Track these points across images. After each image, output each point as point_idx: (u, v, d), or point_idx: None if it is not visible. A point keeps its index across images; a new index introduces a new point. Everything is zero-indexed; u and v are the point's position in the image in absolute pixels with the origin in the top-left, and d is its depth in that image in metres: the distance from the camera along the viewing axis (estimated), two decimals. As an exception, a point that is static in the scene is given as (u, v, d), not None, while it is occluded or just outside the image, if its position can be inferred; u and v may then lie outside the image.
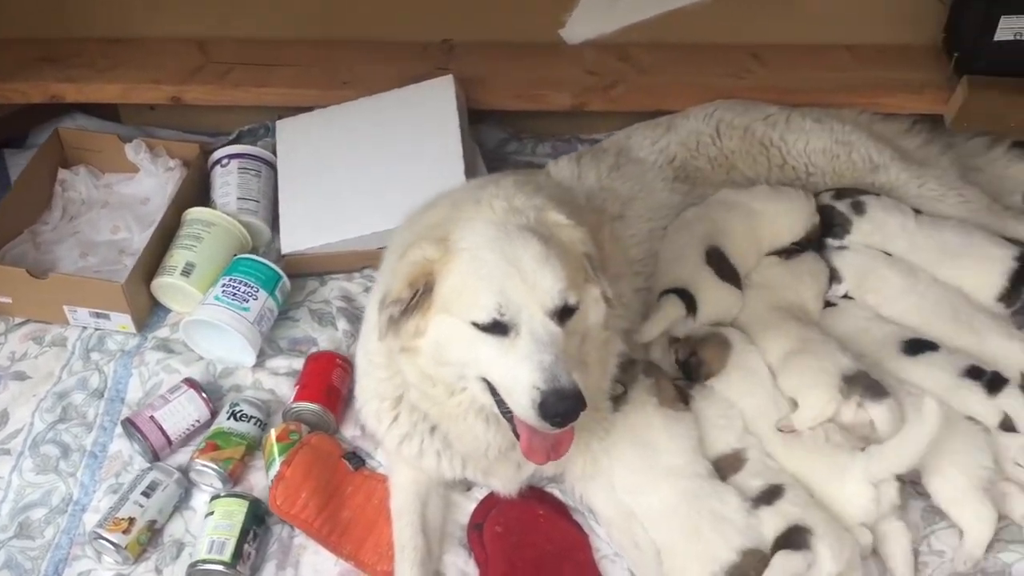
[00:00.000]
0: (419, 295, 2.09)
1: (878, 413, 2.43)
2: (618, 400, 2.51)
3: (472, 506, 2.57)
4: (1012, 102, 3.07)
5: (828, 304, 2.84)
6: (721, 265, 2.77)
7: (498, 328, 2.01)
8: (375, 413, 2.43)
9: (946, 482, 2.42)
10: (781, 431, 2.44)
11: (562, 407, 1.94)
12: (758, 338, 2.64)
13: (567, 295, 2.02)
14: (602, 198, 2.73)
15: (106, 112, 3.70)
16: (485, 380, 2.09)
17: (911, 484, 2.50)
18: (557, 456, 2.14)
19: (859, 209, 2.89)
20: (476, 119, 3.55)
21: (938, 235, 2.87)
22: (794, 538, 2.23)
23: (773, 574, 2.20)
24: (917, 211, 2.96)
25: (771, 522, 2.29)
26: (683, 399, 2.56)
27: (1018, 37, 3.00)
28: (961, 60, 3.15)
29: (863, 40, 3.39)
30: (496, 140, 3.59)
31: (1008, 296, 2.78)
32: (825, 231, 2.91)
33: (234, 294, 2.86)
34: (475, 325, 2.02)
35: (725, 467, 2.45)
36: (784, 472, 2.41)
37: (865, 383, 2.45)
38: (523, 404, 1.98)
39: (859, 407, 2.45)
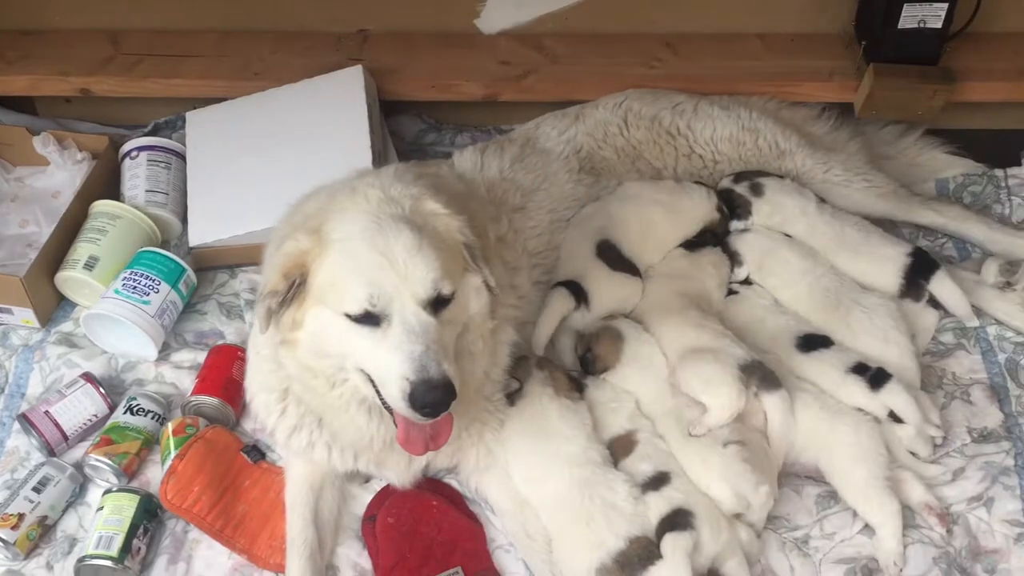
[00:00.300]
0: (295, 287, 2.07)
1: (771, 403, 2.46)
2: (514, 396, 2.51)
3: (369, 498, 2.56)
4: (916, 89, 3.09)
5: (731, 292, 2.85)
6: (612, 256, 2.77)
7: (370, 319, 2.00)
8: (264, 406, 2.41)
9: (849, 478, 2.44)
10: (693, 435, 2.42)
11: (430, 397, 1.93)
12: (657, 325, 2.65)
13: (440, 284, 2.02)
14: (503, 189, 2.72)
15: (23, 105, 3.65)
16: (365, 371, 2.08)
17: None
18: (436, 446, 2.14)
19: (757, 191, 2.91)
20: (394, 109, 3.54)
21: (838, 226, 2.89)
22: (678, 520, 2.26)
23: (667, 552, 2.22)
24: (822, 200, 2.97)
25: (656, 507, 2.31)
26: (577, 388, 2.56)
27: (922, 25, 3.01)
28: (869, 48, 3.16)
29: (775, 29, 3.40)
30: (415, 131, 3.57)
31: (907, 292, 2.80)
32: (730, 214, 2.92)
33: (134, 287, 2.83)
34: (348, 316, 2.02)
35: (618, 449, 2.47)
36: (672, 456, 2.42)
37: (760, 373, 2.47)
38: (394, 395, 1.98)
39: (755, 397, 2.46)
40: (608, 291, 2.75)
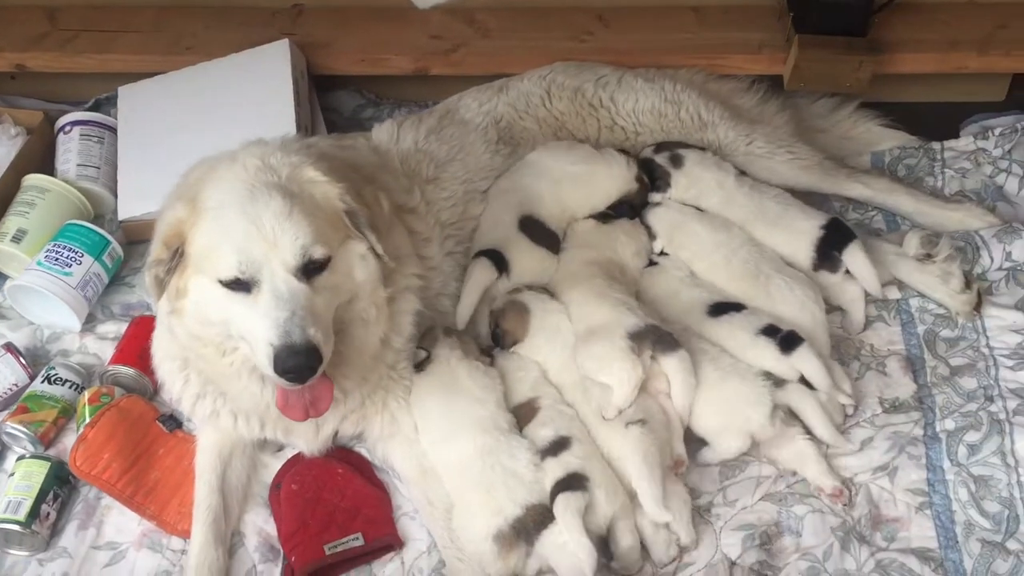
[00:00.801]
0: (176, 256, 2.10)
1: (670, 364, 2.46)
2: (422, 364, 2.53)
3: (280, 466, 2.59)
4: (841, 60, 3.08)
5: (652, 263, 2.86)
6: (535, 231, 2.79)
7: (242, 286, 2.04)
8: (168, 374, 2.45)
9: (704, 422, 2.49)
10: (607, 419, 2.43)
11: (292, 363, 1.97)
12: (565, 294, 2.67)
13: (312, 251, 2.04)
14: (416, 160, 2.74)
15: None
16: (244, 338, 2.11)
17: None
18: (317, 412, 2.17)
19: (677, 162, 2.92)
20: (333, 84, 3.56)
21: (758, 198, 2.90)
22: (572, 483, 2.29)
23: (558, 511, 2.25)
24: (743, 172, 2.97)
25: (552, 472, 2.33)
26: (487, 354, 2.60)
27: (846, -4, 3.01)
28: (797, 20, 3.15)
29: (710, 2, 3.39)
30: (353, 106, 3.59)
31: (821, 263, 2.80)
32: (651, 184, 2.93)
33: (56, 259, 2.87)
34: (221, 283, 2.05)
35: (522, 416, 2.50)
36: (574, 422, 2.45)
37: (655, 336, 2.47)
38: (262, 360, 2.02)
39: (653, 360, 2.47)
40: (529, 263, 2.77)
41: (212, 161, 2.22)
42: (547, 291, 2.71)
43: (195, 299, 2.13)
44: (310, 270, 2.07)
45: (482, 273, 2.70)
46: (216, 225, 2.06)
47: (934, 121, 3.44)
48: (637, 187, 2.90)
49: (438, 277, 2.63)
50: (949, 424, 2.59)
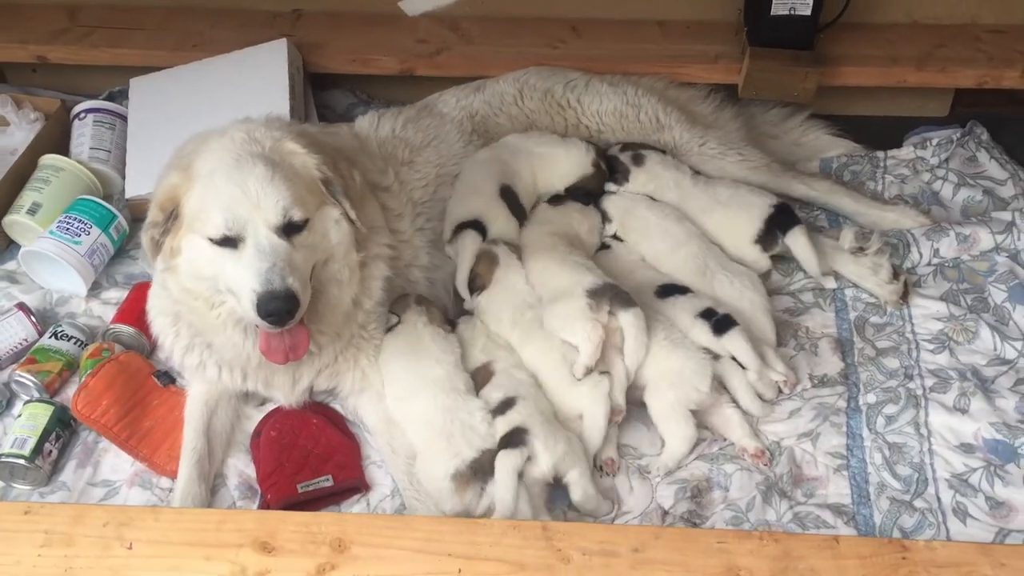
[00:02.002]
0: (171, 218, 2.39)
1: (625, 319, 2.71)
2: (392, 327, 2.80)
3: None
4: (788, 71, 3.36)
5: (605, 247, 3.14)
6: (512, 202, 3.07)
7: (229, 242, 2.32)
8: (161, 328, 2.72)
9: (659, 398, 2.72)
10: (578, 379, 2.67)
11: (273, 306, 2.24)
12: (528, 260, 2.93)
13: (291, 212, 2.33)
14: (393, 145, 3.03)
15: (-6, 75, 4.01)
16: (231, 290, 2.39)
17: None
18: (296, 356, 2.44)
19: (638, 161, 3.21)
20: (328, 84, 3.86)
21: (711, 190, 3.19)
22: (514, 438, 2.54)
23: (498, 469, 2.50)
24: (697, 172, 3.27)
25: (500, 427, 2.59)
26: (449, 322, 2.87)
27: (792, 12, 3.29)
28: (750, 34, 3.44)
29: (674, 16, 3.70)
30: (346, 104, 3.89)
31: (763, 238, 3.07)
32: (610, 176, 3.23)
33: (67, 229, 3.15)
34: (211, 241, 2.33)
35: (479, 378, 2.76)
36: (522, 385, 2.70)
37: (612, 293, 2.72)
38: (246, 306, 2.29)
39: (611, 315, 2.73)
40: (505, 229, 3.04)
41: (204, 135, 2.50)
42: (517, 250, 2.97)
43: (188, 256, 2.42)
44: (290, 229, 2.35)
45: (472, 243, 2.95)
46: (207, 190, 2.34)
47: (882, 133, 3.73)
48: (593, 171, 3.19)
49: (408, 249, 2.90)
50: (871, 398, 2.84)
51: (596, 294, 2.71)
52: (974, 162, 3.57)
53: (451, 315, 2.98)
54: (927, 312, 3.07)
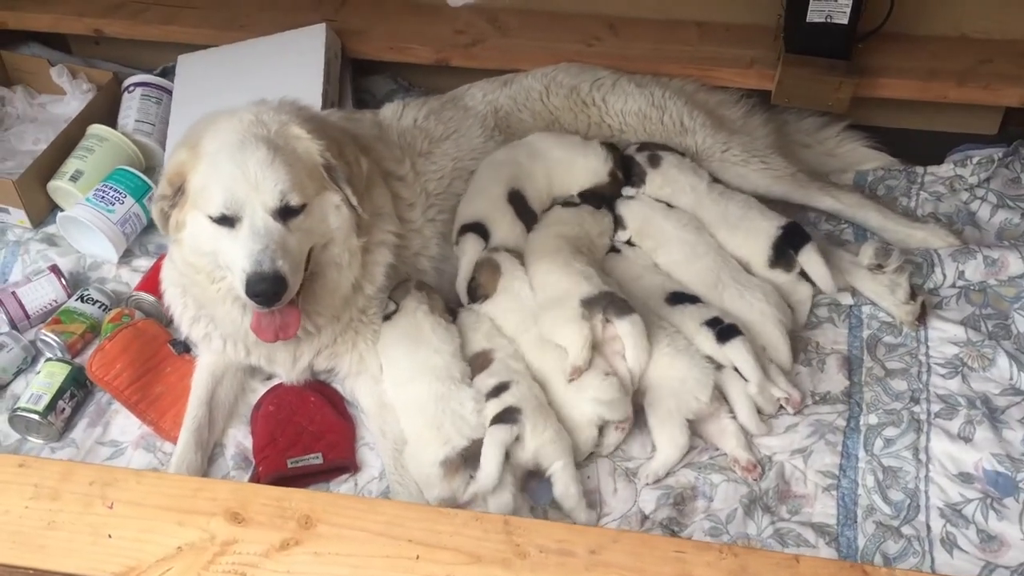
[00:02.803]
0: (178, 193, 2.48)
1: (622, 327, 2.72)
2: (390, 315, 2.85)
3: (265, 392, 2.96)
4: (821, 80, 3.29)
5: (614, 250, 3.13)
6: (520, 206, 3.09)
7: (227, 221, 2.41)
8: (172, 298, 2.83)
9: (659, 404, 2.72)
10: (572, 380, 2.69)
11: (260, 287, 2.32)
12: (531, 264, 2.95)
13: (289, 196, 2.40)
14: (412, 135, 3.07)
15: (60, 45, 4.19)
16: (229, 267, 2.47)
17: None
18: (285, 336, 2.52)
19: (655, 162, 3.19)
20: (371, 70, 3.93)
21: (723, 204, 3.14)
22: (505, 416, 2.58)
23: (487, 441, 2.55)
24: (716, 179, 3.23)
25: (492, 409, 2.63)
26: (450, 312, 2.91)
27: (829, 20, 3.22)
28: (786, 40, 3.38)
29: (714, 18, 3.65)
30: (386, 90, 3.96)
31: (776, 261, 3.02)
32: (626, 179, 3.21)
33: (103, 197, 3.30)
34: (211, 218, 2.41)
35: (477, 365, 2.79)
36: (518, 373, 2.72)
37: (607, 302, 2.73)
38: (237, 284, 2.38)
39: (607, 323, 2.74)
40: (509, 234, 3.05)
41: (215, 114, 2.59)
42: (519, 256, 2.99)
43: (191, 231, 2.51)
44: (286, 213, 2.42)
45: (473, 248, 3.00)
46: (210, 168, 2.43)
47: (926, 148, 3.62)
48: (608, 181, 3.17)
49: (417, 239, 2.95)
50: (872, 419, 2.79)
51: (590, 303, 2.72)
52: (1017, 184, 3.45)
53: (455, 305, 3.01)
54: (944, 335, 2.99)
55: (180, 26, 3.79)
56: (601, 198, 3.16)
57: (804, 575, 2.08)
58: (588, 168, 3.16)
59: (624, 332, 2.71)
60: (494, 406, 2.63)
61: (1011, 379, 2.86)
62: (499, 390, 2.66)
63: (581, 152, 3.17)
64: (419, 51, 3.66)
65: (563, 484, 2.59)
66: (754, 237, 3.05)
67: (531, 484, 2.67)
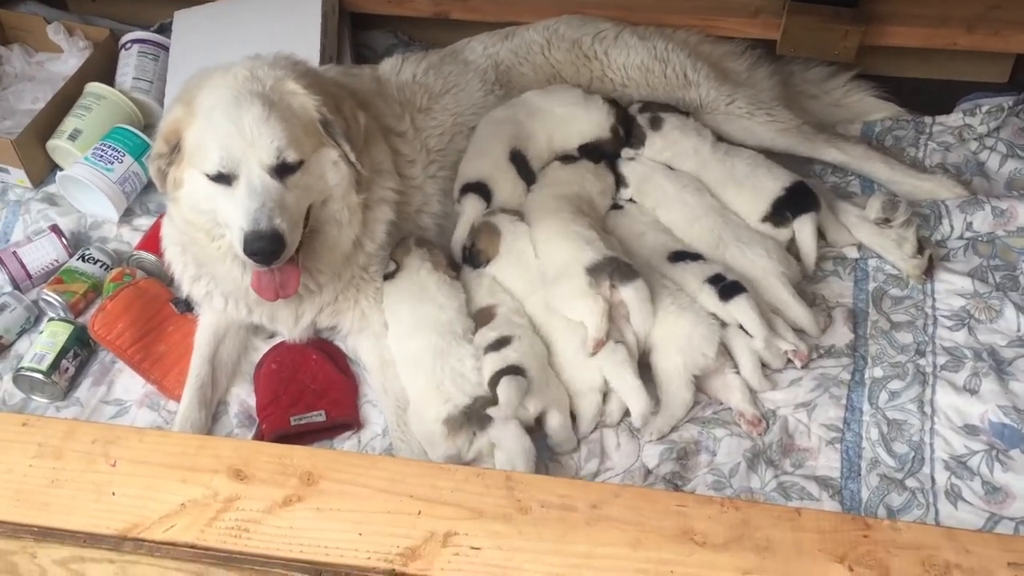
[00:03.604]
0: (175, 150, 2.45)
1: (627, 293, 2.70)
2: (391, 275, 2.83)
3: (268, 350, 2.95)
4: (828, 28, 3.23)
5: (617, 207, 3.10)
6: (521, 166, 3.06)
7: (223, 179, 2.38)
8: (172, 257, 2.82)
9: (666, 361, 2.70)
10: (594, 353, 2.66)
11: (258, 245, 2.30)
12: (534, 225, 2.92)
13: (285, 153, 2.37)
14: (412, 91, 3.03)
15: (55, 2, 4.14)
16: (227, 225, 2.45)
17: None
18: (286, 294, 2.51)
19: (656, 124, 3.14)
20: (371, 24, 3.88)
21: (729, 162, 3.09)
22: (510, 372, 2.57)
23: (502, 390, 2.54)
24: (722, 137, 3.18)
25: (491, 364, 2.62)
26: (454, 267, 2.89)
27: (835, -35, 3.16)
28: (792, -13, 3.32)
29: (719, -36, 3.57)
30: (386, 44, 3.90)
31: (769, 216, 2.99)
32: (626, 140, 3.16)
33: (101, 156, 3.27)
34: (208, 176, 2.39)
35: (480, 320, 2.78)
36: (520, 328, 2.72)
37: (612, 268, 2.70)
38: (235, 243, 2.36)
39: (613, 288, 2.71)
40: (512, 193, 3.04)
41: (210, 70, 2.55)
42: (519, 215, 2.96)
43: (188, 189, 2.49)
44: (283, 170, 2.40)
45: (473, 207, 2.97)
46: (205, 125, 2.40)
47: (935, 97, 3.57)
48: (610, 136, 3.13)
49: (418, 195, 2.93)
50: (877, 372, 2.78)
51: (595, 270, 2.69)
52: (1027, 133, 3.40)
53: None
54: (951, 288, 2.96)
55: (177, -20, 3.73)
56: (601, 153, 3.12)
57: (806, 528, 2.08)
58: (591, 120, 3.11)
59: (628, 298, 2.69)
60: (493, 360, 2.62)
61: (1018, 330, 2.84)
62: (500, 344, 2.65)
63: (583, 107, 3.13)
64: (418, 4, 3.61)
65: (560, 418, 2.62)
66: (757, 194, 3.01)
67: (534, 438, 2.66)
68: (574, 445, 2.63)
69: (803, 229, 2.95)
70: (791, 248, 3.01)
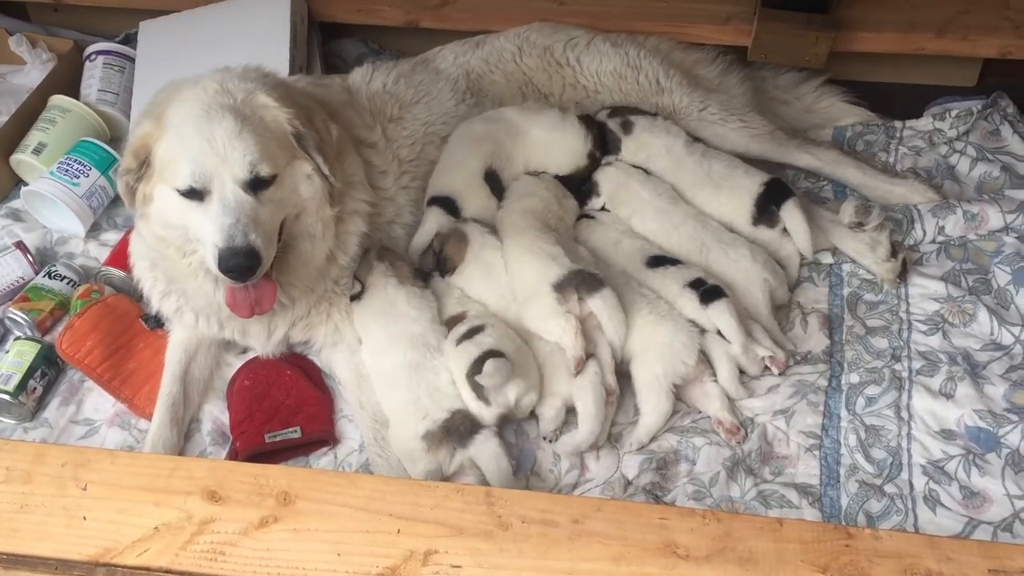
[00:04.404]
0: (144, 165, 2.41)
1: (595, 304, 2.68)
2: (358, 296, 2.78)
3: (241, 365, 2.91)
4: (799, 35, 3.25)
5: (587, 216, 3.09)
6: (494, 184, 3.04)
7: (196, 194, 2.34)
8: (141, 272, 2.77)
9: (646, 370, 2.69)
10: (578, 372, 2.65)
11: (233, 262, 2.27)
12: (504, 239, 2.89)
13: (258, 167, 2.33)
14: (382, 100, 3.00)
15: (17, 12, 4.06)
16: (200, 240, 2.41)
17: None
18: (262, 311, 2.47)
19: (627, 128, 3.13)
20: (340, 33, 3.84)
21: (707, 163, 3.08)
22: (490, 355, 2.54)
23: (486, 372, 2.50)
24: (696, 139, 3.17)
25: (466, 353, 2.59)
26: (422, 277, 2.85)
27: (807, -26, 3.17)
28: (763, -6, 3.33)
29: (688, -27, 3.57)
30: (356, 54, 3.87)
31: (759, 218, 2.98)
32: (602, 150, 3.15)
33: (67, 171, 3.22)
34: (179, 192, 2.34)
35: (451, 324, 2.75)
36: (490, 318, 2.71)
37: (577, 280, 2.68)
38: (209, 260, 2.32)
39: (581, 301, 2.70)
40: (481, 211, 3.01)
41: (179, 83, 2.51)
42: (492, 228, 2.93)
43: (158, 205, 2.44)
44: (256, 184, 2.36)
45: (435, 220, 2.94)
46: (176, 140, 2.36)
47: (905, 102, 3.60)
48: (587, 163, 3.12)
49: (390, 207, 2.90)
50: (854, 378, 2.78)
51: (561, 286, 2.67)
52: (996, 136, 3.43)
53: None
54: (924, 292, 2.97)
55: (142, -9, 3.68)
56: (579, 182, 3.10)
57: (788, 538, 2.07)
58: (567, 150, 3.09)
59: (597, 308, 2.67)
60: (468, 350, 2.58)
61: (992, 334, 2.85)
62: (472, 333, 2.62)
63: (560, 131, 3.09)
64: (388, 12, 3.58)
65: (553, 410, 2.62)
66: (738, 195, 3.01)
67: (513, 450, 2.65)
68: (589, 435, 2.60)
69: (790, 215, 2.94)
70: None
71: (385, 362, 2.69)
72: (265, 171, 2.35)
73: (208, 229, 2.31)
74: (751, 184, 3.00)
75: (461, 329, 2.66)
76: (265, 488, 2.17)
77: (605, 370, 2.69)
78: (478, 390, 2.55)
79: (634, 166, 3.12)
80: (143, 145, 2.41)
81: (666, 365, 2.67)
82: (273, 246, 2.39)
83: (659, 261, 2.89)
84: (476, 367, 2.53)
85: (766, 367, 2.80)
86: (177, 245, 2.50)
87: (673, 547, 2.07)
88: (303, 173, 2.48)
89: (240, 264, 2.27)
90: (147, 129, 2.41)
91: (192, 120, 2.34)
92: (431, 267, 2.91)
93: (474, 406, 2.57)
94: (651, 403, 2.66)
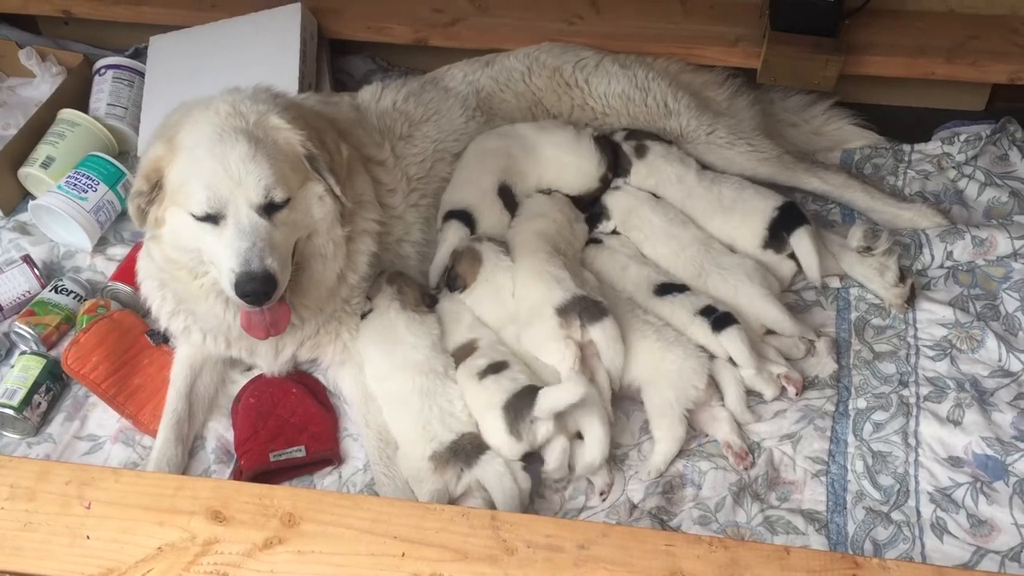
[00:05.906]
0: (156, 188, 2.41)
1: (595, 333, 2.67)
2: (365, 314, 2.79)
3: (246, 383, 2.90)
4: (808, 58, 3.24)
5: (596, 241, 3.08)
6: (507, 198, 3.04)
7: (210, 218, 2.34)
8: (149, 292, 2.76)
9: (658, 396, 2.68)
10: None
11: (250, 287, 2.27)
12: (515, 259, 2.88)
13: (273, 192, 2.33)
14: (392, 119, 3.00)
15: (28, 25, 4.08)
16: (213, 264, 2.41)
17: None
18: (277, 332, 2.46)
19: (640, 152, 3.13)
20: (348, 50, 3.85)
21: (716, 189, 3.08)
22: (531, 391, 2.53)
23: (543, 405, 2.50)
24: (704, 166, 3.17)
25: (501, 387, 2.56)
26: (427, 303, 2.84)
27: (814, -2, 3.17)
28: (772, 17, 3.32)
29: (698, -5, 3.59)
30: (364, 70, 3.87)
31: (769, 243, 2.98)
32: (614, 172, 3.15)
33: (75, 185, 3.21)
34: (193, 216, 2.34)
35: (460, 355, 2.73)
36: (507, 355, 2.68)
37: (581, 307, 2.67)
38: (225, 284, 2.32)
39: (583, 328, 2.68)
40: (495, 225, 3.00)
41: (190, 105, 2.51)
42: (506, 247, 2.91)
43: (171, 228, 2.44)
44: (271, 208, 2.36)
45: (455, 235, 2.94)
46: (189, 163, 2.35)
47: (913, 125, 3.59)
48: (598, 186, 3.12)
49: (399, 225, 2.89)
50: (861, 403, 2.76)
51: (564, 311, 2.66)
52: (1004, 161, 3.42)
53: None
54: (932, 317, 2.96)
55: (151, 7, 3.69)
56: (588, 204, 3.10)
57: (795, 567, 2.06)
58: (580, 171, 3.09)
59: (597, 338, 2.66)
60: (501, 382, 2.56)
61: (1000, 360, 2.84)
62: (498, 368, 2.60)
63: (575, 153, 3.09)
64: (397, 30, 3.58)
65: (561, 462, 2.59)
66: (751, 218, 3.00)
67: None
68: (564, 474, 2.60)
69: (800, 243, 2.94)
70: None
71: (392, 387, 2.68)
72: (279, 195, 2.35)
73: (224, 253, 2.31)
74: (765, 207, 3.00)
75: (480, 363, 2.64)
76: (269, 509, 2.16)
77: (603, 398, 2.67)
78: (513, 424, 2.52)
79: (641, 190, 3.11)
80: (155, 168, 2.41)
81: (678, 391, 2.66)
82: (288, 268, 2.39)
83: (667, 289, 2.89)
84: (519, 401, 2.51)
85: (783, 387, 2.78)
86: (189, 267, 2.50)
87: (679, 574, 2.06)
88: (315, 194, 2.47)
89: (257, 289, 2.27)
90: (159, 152, 2.41)
91: (205, 143, 2.34)
92: (443, 284, 2.90)
93: (501, 440, 2.53)
94: (664, 428, 2.64)
